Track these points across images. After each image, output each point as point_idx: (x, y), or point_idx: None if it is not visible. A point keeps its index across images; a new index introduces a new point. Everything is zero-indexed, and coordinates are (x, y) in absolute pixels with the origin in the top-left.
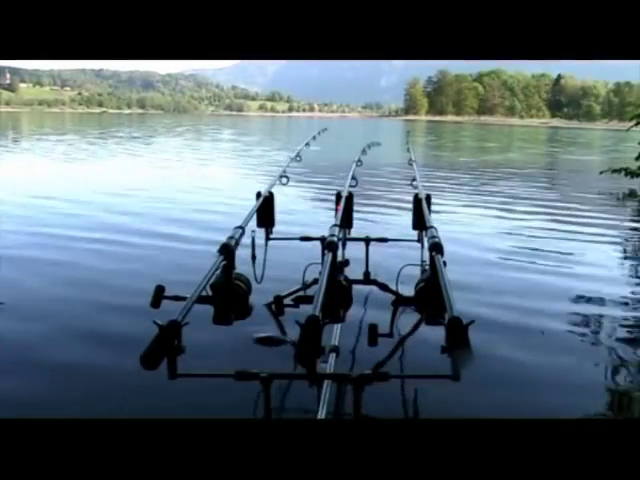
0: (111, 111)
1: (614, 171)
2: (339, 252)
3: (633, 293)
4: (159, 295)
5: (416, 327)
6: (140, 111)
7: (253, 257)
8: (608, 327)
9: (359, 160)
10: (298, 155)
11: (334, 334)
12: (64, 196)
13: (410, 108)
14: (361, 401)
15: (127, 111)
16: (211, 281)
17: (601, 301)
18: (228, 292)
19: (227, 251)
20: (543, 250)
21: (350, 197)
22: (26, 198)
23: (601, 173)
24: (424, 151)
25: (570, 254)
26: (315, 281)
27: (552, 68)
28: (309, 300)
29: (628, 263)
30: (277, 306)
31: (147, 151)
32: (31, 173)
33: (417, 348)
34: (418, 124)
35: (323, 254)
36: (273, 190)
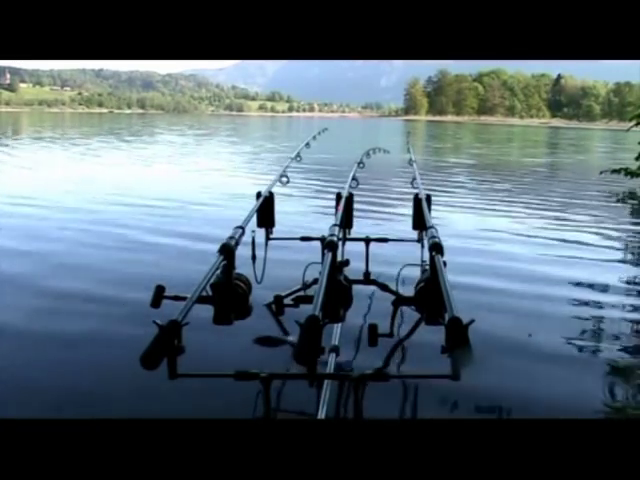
0: (117, 111)
1: (614, 171)
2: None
3: None
4: (159, 295)
5: (416, 327)
6: (140, 111)
7: (253, 257)
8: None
9: (361, 162)
10: (298, 155)
11: (334, 334)
12: None
13: (410, 108)
14: (361, 401)
15: (127, 111)
16: (211, 281)
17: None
18: (228, 292)
19: (227, 251)
20: None
21: (350, 197)
22: None
23: (601, 173)
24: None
25: None
26: (315, 281)
27: (552, 68)
28: (309, 300)
29: None
30: (277, 306)
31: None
32: None
33: (417, 348)
34: (416, 124)
35: (323, 254)
36: (273, 190)
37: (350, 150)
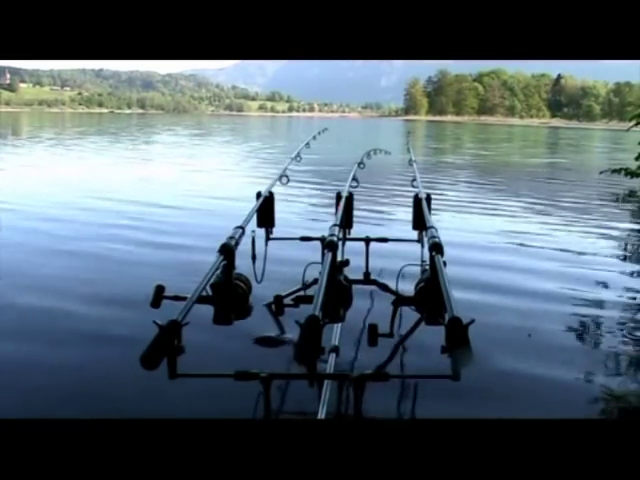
0: (117, 111)
1: (614, 171)
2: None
3: None
4: (159, 295)
5: (416, 327)
6: (140, 111)
7: (253, 257)
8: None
9: (361, 162)
10: (298, 155)
11: (334, 334)
12: None
13: (410, 108)
14: (361, 401)
15: (128, 111)
16: (211, 281)
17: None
18: (228, 292)
19: (227, 251)
20: None
21: (350, 197)
22: None
23: (601, 173)
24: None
25: None
26: (315, 281)
27: (552, 68)
28: (309, 300)
29: None
30: (277, 306)
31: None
32: None
33: (417, 348)
34: (416, 124)
35: (323, 254)
36: (273, 190)
37: (350, 150)
